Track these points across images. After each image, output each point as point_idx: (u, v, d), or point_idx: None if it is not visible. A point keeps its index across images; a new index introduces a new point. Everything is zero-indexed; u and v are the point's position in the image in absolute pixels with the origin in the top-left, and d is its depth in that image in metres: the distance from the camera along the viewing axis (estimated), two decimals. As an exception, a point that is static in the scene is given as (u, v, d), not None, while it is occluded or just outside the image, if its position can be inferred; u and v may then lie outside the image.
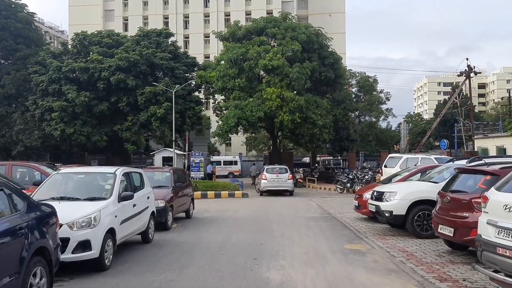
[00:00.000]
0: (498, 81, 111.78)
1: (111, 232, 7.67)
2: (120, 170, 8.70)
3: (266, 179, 23.90)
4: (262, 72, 32.21)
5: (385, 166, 21.76)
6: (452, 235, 8.03)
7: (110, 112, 32.71)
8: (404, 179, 13.15)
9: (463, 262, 7.95)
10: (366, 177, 27.53)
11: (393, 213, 10.51)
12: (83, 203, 7.71)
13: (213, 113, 39.59)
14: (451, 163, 11.63)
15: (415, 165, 16.96)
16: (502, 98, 65.03)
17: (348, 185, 25.44)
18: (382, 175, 21.86)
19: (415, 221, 10.33)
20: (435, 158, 19.70)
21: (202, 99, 36.03)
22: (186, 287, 6.54)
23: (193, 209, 15.05)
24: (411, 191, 10.66)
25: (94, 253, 7.09)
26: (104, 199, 7.91)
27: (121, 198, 8.17)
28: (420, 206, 10.36)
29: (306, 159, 50.14)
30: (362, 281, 6.81)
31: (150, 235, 9.98)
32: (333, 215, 15.19)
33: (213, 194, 22.71)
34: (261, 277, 7.04)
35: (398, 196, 10.56)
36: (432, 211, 9.02)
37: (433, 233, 10.14)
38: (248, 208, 17.86)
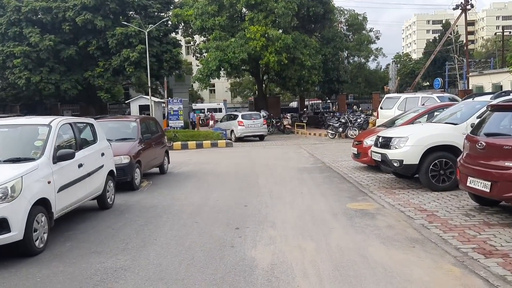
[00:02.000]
0: (487, 17, 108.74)
1: (43, 204, 5.74)
2: (57, 121, 6.62)
3: (243, 125, 23.68)
4: (244, 9, 29.39)
5: (381, 108, 19.88)
6: (488, 190, 6.27)
7: (80, 57, 29.91)
8: (411, 122, 11.34)
9: (502, 224, 6.25)
10: (359, 120, 25.86)
11: (404, 163, 8.73)
12: (1, 166, 5.69)
13: (193, 56, 36.88)
14: (471, 100, 9.76)
15: (423, 104, 15.06)
16: (495, 34, 62.65)
17: (340, 129, 23.68)
18: (377, 118, 20.04)
19: (430, 171, 8.60)
20: (437, 97, 17.84)
21: (180, 41, 33.18)
22: (138, 282, 4.71)
23: (168, 163, 13.16)
24: (425, 135, 8.83)
25: (14, 235, 5.19)
26: (32, 159, 5.91)
27: (58, 158, 6.17)
28: (437, 153, 8.61)
29: (294, 104, 48.17)
30: (379, 260, 5.06)
31: (108, 200, 8.11)
32: (327, 164, 13.45)
33: (194, 144, 20.80)
34: (244, 258, 5.25)
35: (410, 142, 8.73)
36: (458, 160, 7.23)
37: (451, 184, 8.52)
38: (232, 159, 16.04)
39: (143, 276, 4.81)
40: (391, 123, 12.40)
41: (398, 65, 76.96)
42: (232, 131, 24.22)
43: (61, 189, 6.17)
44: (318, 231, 6.27)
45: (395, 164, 8.89)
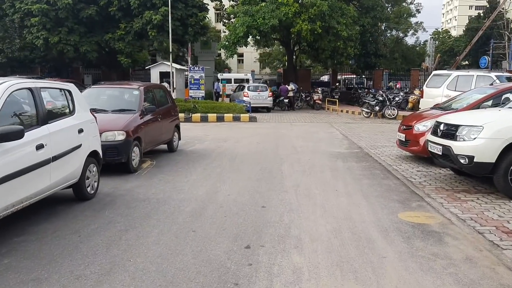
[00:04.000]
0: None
1: (-32, 204, 3.99)
2: (6, 86, 4.78)
3: (248, 97, 23.84)
4: (277, -29, 26.84)
5: (427, 86, 17.46)
6: None
7: (100, 18, 28.10)
8: (475, 106, 9.09)
9: None
10: (397, 98, 23.49)
11: (475, 160, 6.60)
12: None
13: (220, 21, 34.65)
14: None
15: (492, 83, 12.64)
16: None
17: (377, 108, 21.32)
18: (422, 97, 17.66)
19: (511, 173, 6.47)
20: (495, 75, 15.32)
21: (207, 4, 30.88)
22: None
23: (179, 139, 11.33)
24: (507, 125, 6.65)
25: None
26: (-43, 139, 4.13)
27: (-3, 137, 4.38)
28: (521, 150, 6.45)
29: (325, 78, 45.62)
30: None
31: (88, 188, 6.35)
32: (365, 150, 11.38)
33: (214, 117, 18.94)
34: (252, 311, 3.37)
35: (486, 133, 6.57)
36: None
37: (537, 192, 6.37)
38: (254, 137, 14.11)
39: None
40: (447, 106, 10.16)
41: (436, 42, 72.66)
42: None
43: (3, 181, 4.39)
44: (363, 262, 4.32)
45: (462, 161, 6.77)
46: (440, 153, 7.28)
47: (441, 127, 7.43)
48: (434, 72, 18.20)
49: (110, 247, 4.61)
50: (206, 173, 8.43)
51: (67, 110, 5.99)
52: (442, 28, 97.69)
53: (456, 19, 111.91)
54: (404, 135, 9.72)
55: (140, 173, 8.35)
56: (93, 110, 8.55)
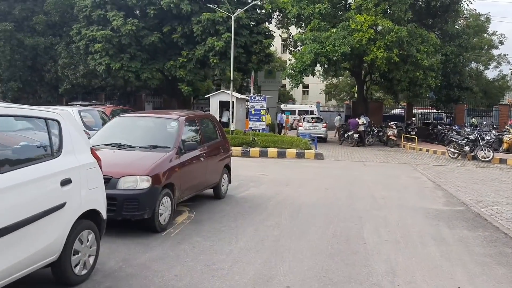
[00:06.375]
0: None
1: None
2: None
3: (302, 127, 25.70)
4: (350, -5, 24.80)
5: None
6: None
7: (163, 45, 27.30)
8: None
9: None
10: (488, 137, 20.01)
11: None
12: None
13: (286, 50, 32.88)
14: None
15: None
16: None
17: (467, 148, 18.02)
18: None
19: None
20: None
21: (273, 32, 29.25)
22: None
23: (229, 182, 9.10)
24: None
25: None
26: None
27: None
28: None
29: (396, 111, 42.21)
30: None
31: (77, 268, 4.20)
32: (473, 208, 8.50)
33: (275, 152, 16.67)
34: None
35: None
36: None
37: None
38: (321, 180, 11.61)
39: None
40: None
41: (516, 76, 66.67)
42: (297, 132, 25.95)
43: None
44: None
45: None
46: None
47: None
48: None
49: None
50: (258, 238, 6.08)
51: (47, 151, 3.96)
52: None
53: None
54: (541, 195, 6.84)
55: (169, 233, 6.16)
56: (117, 146, 6.63)
